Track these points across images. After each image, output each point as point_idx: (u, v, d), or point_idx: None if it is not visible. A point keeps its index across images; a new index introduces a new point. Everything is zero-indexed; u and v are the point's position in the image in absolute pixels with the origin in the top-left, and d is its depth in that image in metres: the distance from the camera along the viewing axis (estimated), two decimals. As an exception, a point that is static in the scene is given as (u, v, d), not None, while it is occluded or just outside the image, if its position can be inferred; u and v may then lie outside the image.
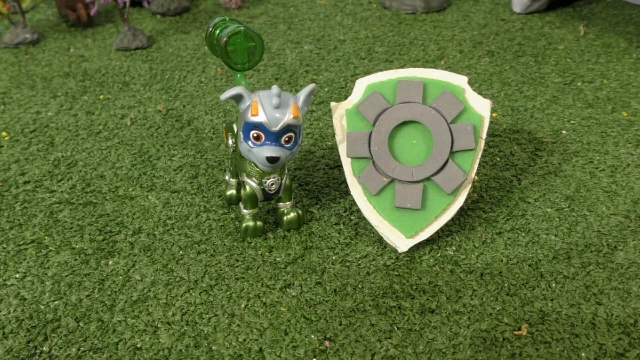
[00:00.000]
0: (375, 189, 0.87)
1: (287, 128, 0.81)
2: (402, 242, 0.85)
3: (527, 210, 0.93)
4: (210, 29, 0.91)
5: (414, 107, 0.87)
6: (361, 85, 0.91)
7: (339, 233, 0.90)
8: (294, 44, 1.46)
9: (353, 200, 0.95)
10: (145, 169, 1.04)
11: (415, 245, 0.86)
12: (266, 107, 0.80)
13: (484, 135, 0.87)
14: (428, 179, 0.86)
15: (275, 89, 0.79)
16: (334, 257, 0.85)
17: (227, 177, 0.95)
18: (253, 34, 0.86)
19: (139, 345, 0.74)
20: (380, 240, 0.88)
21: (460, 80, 0.89)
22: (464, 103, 0.87)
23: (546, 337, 0.73)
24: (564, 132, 1.10)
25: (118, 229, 0.92)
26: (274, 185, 0.86)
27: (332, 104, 0.91)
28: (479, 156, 0.86)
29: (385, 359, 0.71)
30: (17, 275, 0.84)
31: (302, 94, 0.83)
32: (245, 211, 0.88)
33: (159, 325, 0.76)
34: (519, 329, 0.74)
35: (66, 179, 1.02)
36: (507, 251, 0.86)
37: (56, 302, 0.80)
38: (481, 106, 0.87)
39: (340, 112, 0.90)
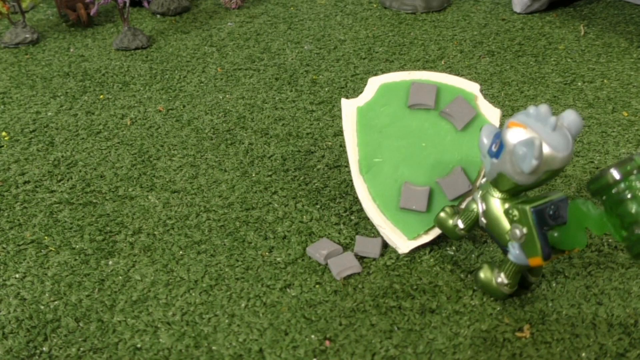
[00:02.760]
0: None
1: None
2: (403, 244, 0.85)
3: (527, 210, 0.92)
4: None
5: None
6: (374, 84, 0.91)
7: (339, 233, 0.90)
8: (294, 44, 1.46)
9: (353, 200, 0.95)
10: (145, 169, 1.04)
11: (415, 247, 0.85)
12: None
13: None
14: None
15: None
16: (334, 257, 0.85)
17: None
18: None
19: (139, 346, 0.74)
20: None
21: (472, 87, 0.89)
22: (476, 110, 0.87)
23: (546, 337, 0.73)
24: (564, 132, 1.10)
25: (118, 229, 0.91)
26: None
27: (343, 100, 0.90)
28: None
29: (386, 359, 0.71)
30: (17, 275, 0.84)
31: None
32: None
33: (159, 326, 0.76)
34: (521, 329, 0.74)
35: (66, 179, 1.02)
36: (507, 251, 0.85)
37: (56, 302, 0.79)
38: (491, 115, 0.87)
39: (351, 109, 0.89)
